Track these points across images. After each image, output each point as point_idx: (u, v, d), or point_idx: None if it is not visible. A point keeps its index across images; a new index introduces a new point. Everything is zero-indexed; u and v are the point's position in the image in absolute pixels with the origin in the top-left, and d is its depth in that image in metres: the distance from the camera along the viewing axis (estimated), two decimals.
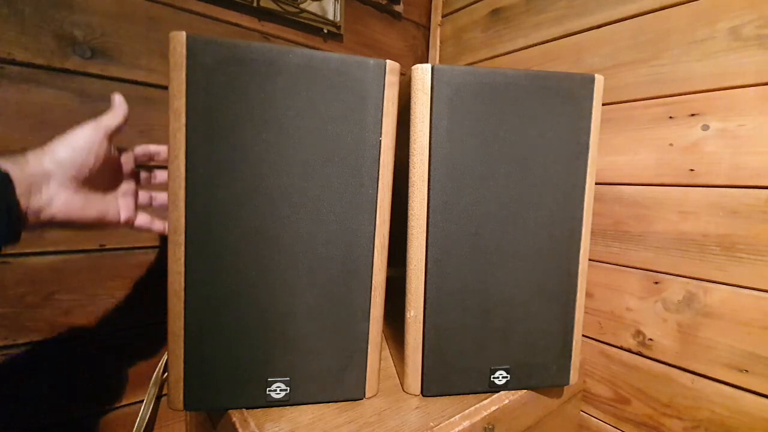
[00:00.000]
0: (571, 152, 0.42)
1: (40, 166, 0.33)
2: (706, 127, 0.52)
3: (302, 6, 0.68)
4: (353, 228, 0.39)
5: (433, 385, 0.43)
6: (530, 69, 0.70)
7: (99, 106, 0.52)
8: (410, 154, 0.40)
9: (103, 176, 0.38)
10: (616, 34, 0.60)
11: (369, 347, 0.41)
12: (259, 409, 0.40)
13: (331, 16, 0.72)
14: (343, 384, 0.41)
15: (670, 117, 0.55)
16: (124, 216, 0.40)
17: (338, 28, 0.73)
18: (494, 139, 0.40)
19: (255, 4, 0.63)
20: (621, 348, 0.61)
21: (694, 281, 0.53)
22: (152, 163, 0.43)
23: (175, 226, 0.35)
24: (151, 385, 0.57)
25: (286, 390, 0.40)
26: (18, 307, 0.49)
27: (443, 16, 0.90)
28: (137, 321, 0.58)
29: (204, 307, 0.37)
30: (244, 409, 0.40)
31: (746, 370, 0.49)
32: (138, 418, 0.56)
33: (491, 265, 0.42)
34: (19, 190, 0.30)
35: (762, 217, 0.48)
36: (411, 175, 0.40)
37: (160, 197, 0.44)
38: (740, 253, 0.49)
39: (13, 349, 0.50)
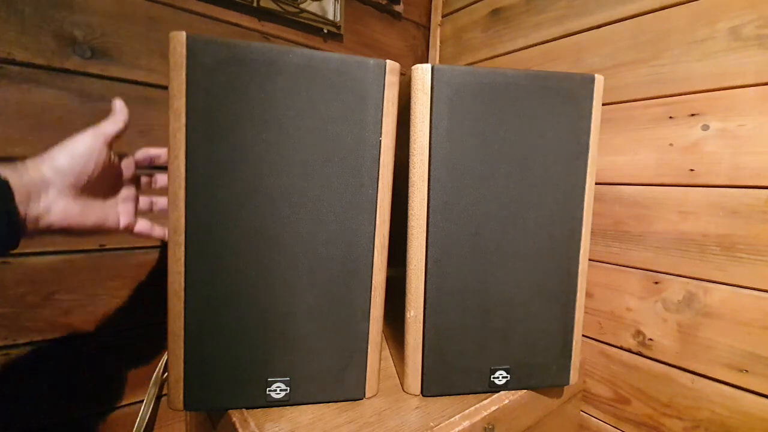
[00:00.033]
0: (571, 152, 0.42)
1: (39, 173, 0.32)
2: (706, 127, 0.52)
3: (302, 6, 0.68)
4: (353, 228, 0.39)
5: (433, 385, 0.43)
6: (530, 69, 0.70)
7: (99, 106, 0.52)
8: (410, 154, 0.40)
9: (102, 183, 0.38)
10: (616, 34, 0.60)
11: (369, 347, 0.41)
12: (259, 409, 0.40)
13: (331, 16, 0.72)
14: (343, 384, 0.41)
15: (670, 117, 0.55)
16: (123, 222, 0.40)
17: (338, 28, 0.73)
18: (494, 139, 0.40)
19: (255, 4, 0.63)
20: (621, 348, 0.61)
21: (694, 281, 0.53)
22: (153, 165, 0.43)
23: (175, 226, 0.35)
24: (151, 385, 0.57)
25: (286, 390, 0.40)
26: (18, 307, 0.49)
27: (443, 16, 0.90)
28: (137, 321, 0.58)
29: (204, 307, 0.37)
30: (244, 409, 0.40)
31: (746, 370, 0.49)
32: (138, 418, 0.56)
33: (491, 265, 0.42)
34: (18, 197, 0.30)
35: (762, 217, 0.48)
36: (411, 175, 0.40)
37: (161, 202, 0.44)
38: (740, 253, 0.49)
39: (13, 349, 0.50)
